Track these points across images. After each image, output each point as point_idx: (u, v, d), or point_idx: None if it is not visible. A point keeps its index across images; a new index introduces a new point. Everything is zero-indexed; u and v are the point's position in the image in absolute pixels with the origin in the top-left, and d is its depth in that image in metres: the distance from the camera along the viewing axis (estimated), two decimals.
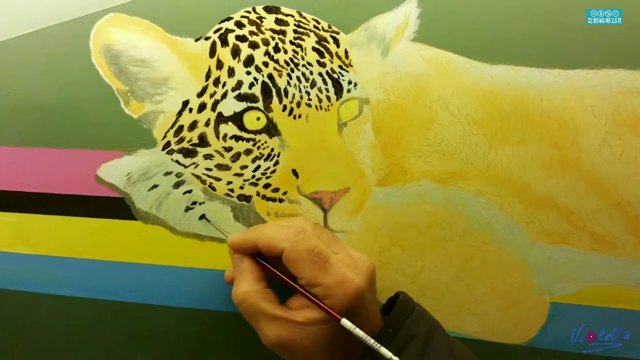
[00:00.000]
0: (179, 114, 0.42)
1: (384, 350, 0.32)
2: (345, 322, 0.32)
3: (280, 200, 0.42)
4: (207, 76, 0.42)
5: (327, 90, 0.42)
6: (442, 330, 0.36)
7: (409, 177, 0.43)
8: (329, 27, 0.42)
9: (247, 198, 0.43)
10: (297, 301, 0.35)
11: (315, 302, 0.33)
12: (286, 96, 0.41)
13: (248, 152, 0.42)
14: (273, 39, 0.42)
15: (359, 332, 0.32)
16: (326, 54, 0.42)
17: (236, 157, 0.42)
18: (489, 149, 0.42)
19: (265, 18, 0.42)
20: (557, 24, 0.41)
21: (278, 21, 0.42)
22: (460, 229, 0.43)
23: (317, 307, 0.33)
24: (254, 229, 0.38)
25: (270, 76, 0.41)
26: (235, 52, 0.42)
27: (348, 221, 0.42)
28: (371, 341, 0.32)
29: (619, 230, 0.41)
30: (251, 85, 0.41)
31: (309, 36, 0.42)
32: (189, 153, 0.42)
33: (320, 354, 0.34)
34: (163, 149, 0.43)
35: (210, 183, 0.43)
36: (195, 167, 0.43)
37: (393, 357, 0.31)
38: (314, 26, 0.42)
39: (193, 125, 0.42)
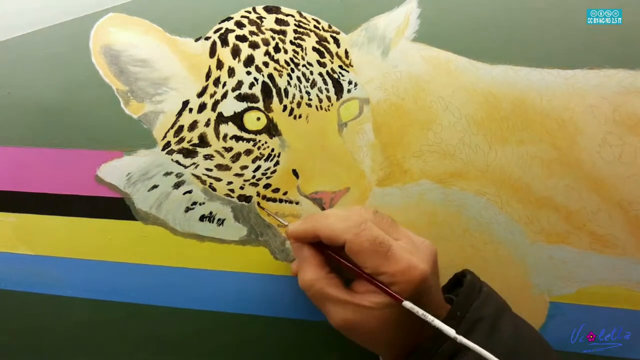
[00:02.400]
0: (179, 114, 0.42)
1: (446, 328, 0.32)
2: (406, 303, 0.33)
3: (281, 201, 0.42)
4: (207, 76, 0.42)
5: (328, 90, 0.42)
6: (509, 311, 0.37)
7: (409, 177, 0.43)
8: (329, 27, 0.42)
9: (248, 198, 0.43)
10: (363, 285, 0.35)
11: (380, 287, 0.34)
12: (286, 96, 0.41)
13: (248, 152, 0.42)
14: (273, 39, 0.42)
15: (419, 311, 0.32)
16: (326, 54, 0.42)
17: (236, 157, 0.42)
18: (489, 149, 0.42)
19: (265, 18, 0.42)
20: (557, 24, 0.41)
21: (278, 21, 0.42)
22: (460, 229, 0.43)
23: (382, 292, 0.34)
24: (313, 219, 0.37)
25: (270, 76, 0.41)
26: (236, 52, 0.42)
27: None
28: (429, 318, 0.32)
29: (619, 230, 0.41)
30: (251, 85, 0.41)
31: (309, 36, 0.42)
32: (189, 153, 0.42)
33: (386, 335, 0.35)
34: (163, 149, 0.43)
35: (211, 183, 0.43)
36: (196, 167, 0.43)
37: (457, 335, 0.31)
38: (315, 26, 0.42)
39: (193, 126, 0.42)
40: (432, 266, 0.35)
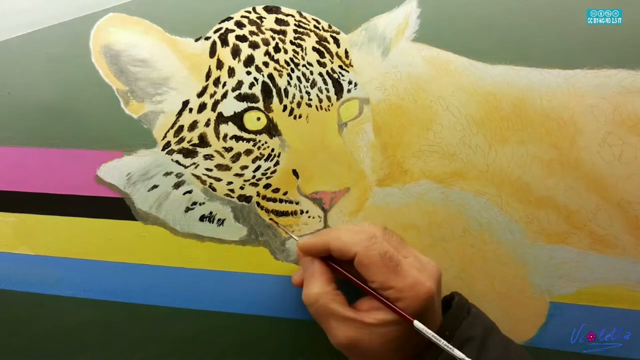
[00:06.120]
0: (179, 114, 0.42)
1: (457, 352, 0.32)
2: (417, 324, 0.33)
3: (281, 201, 0.42)
4: (207, 76, 0.42)
5: (328, 90, 0.42)
6: (497, 332, 0.37)
7: (409, 177, 0.43)
8: (329, 27, 0.42)
9: (248, 198, 0.43)
10: (367, 303, 0.36)
11: (387, 304, 0.34)
12: (286, 96, 0.41)
13: (248, 152, 0.42)
14: (273, 39, 0.42)
15: (430, 333, 0.33)
16: (326, 54, 0.42)
17: (236, 157, 0.42)
18: (489, 149, 0.42)
19: (265, 18, 0.42)
20: (557, 24, 0.41)
21: (278, 21, 0.42)
22: (460, 229, 0.43)
23: (387, 309, 0.34)
24: (325, 232, 0.38)
25: (270, 76, 0.41)
26: (236, 52, 0.42)
27: (348, 221, 0.42)
28: (442, 342, 0.32)
29: (618, 230, 0.41)
30: (251, 85, 0.41)
31: (309, 36, 0.42)
32: (189, 153, 0.42)
33: (387, 354, 0.35)
34: (163, 149, 0.43)
35: (211, 183, 0.43)
36: (196, 167, 0.43)
37: (465, 358, 0.32)
38: (314, 26, 0.42)
39: (193, 126, 0.42)
40: (437, 285, 0.35)
